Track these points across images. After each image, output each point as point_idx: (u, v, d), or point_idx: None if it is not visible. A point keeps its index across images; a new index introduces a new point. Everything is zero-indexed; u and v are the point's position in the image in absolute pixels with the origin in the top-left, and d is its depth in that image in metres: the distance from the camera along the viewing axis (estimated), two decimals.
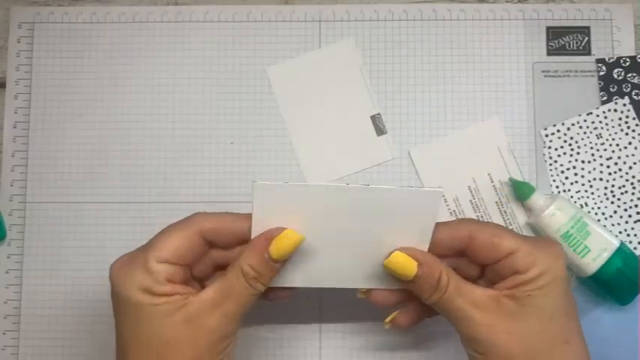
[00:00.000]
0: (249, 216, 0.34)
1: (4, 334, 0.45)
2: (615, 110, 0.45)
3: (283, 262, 0.34)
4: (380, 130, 0.46)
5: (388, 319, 0.37)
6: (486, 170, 0.45)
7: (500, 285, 0.33)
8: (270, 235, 0.33)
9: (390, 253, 0.33)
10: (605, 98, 0.46)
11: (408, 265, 0.33)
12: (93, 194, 0.46)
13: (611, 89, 0.46)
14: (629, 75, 0.46)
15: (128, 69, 0.47)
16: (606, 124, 0.45)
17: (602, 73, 0.46)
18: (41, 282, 0.45)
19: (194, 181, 0.46)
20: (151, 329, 0.32)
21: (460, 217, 0.45)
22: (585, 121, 0.45)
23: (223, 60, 0.47)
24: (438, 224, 0.34)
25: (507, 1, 0.47)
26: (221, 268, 0.36)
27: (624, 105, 0.45)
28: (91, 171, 0.46)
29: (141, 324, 0.32)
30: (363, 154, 0.46)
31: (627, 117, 0.45)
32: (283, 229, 0.33)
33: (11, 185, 0.46)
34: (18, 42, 0.47)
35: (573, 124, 0.45)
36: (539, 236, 0.35)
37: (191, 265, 0.34)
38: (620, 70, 0.46)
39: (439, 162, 0.46)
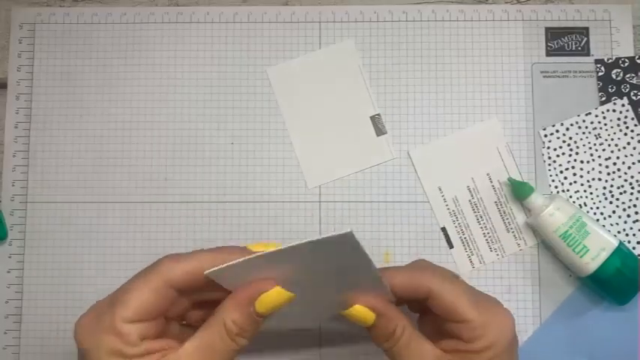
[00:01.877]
0: (225, 251, 0.32)
1: (5, 333, 0.45)
2: (614, 111, 0.45)
3: (268, 316, 0.32)
4: (379, 131, 0.46)
5: None
6: (485, 170, 0.46)
7: (444, 343, 0.34)
8: (257, 289, 0.32)
9: (349, 304, 0.34)
10: (603, 99, 0.46)
11: (365, 316, 0.34)
12: (93, 194, 0.46)
13: (609, 90, 0.46)
14: (628, 75, 0.46)
15: (129, 69, 0.47)
16: (605, 125, 0.45)
17: (600, 74, 0.46)
18: (42, 281, 0.45)
19: (194, 181, 0.46)
20: None
21: (459, 216, 0.45)
22: (584, 121, 0.46)
23: (224, 60, 0.47)
24: (396, 271, 0.35)
25: (506, 2, 0.47)
26: (199, 305, 0.34)
27: (623, 105, 0.45)
28: (91, 171, 0.46)
29: None
30: (363, 154, 0.46)
31: (626, 117, 0.45)
32: (272, 283, 0.32)
33: (12, 185, 0.46)
34: (19, 43, 0.47)
35: (572, 125, 0.46)
36: (493, 302, 0.35)
37: (164, 313, 0.32)
38: (619, 70, 0.46)
39: (438, 162, 0.46)
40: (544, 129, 0.46)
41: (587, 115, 0.46)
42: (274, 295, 0.32)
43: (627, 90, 0.46)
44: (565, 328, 0.44)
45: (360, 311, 0.34)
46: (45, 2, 0.48)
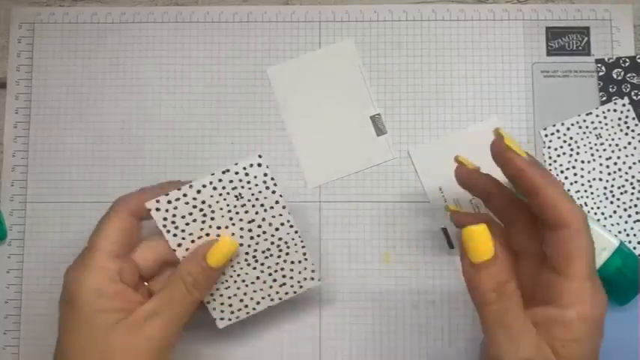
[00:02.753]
0: (165, 184, 0.38)
1: (5, 333, 0.45)
2: (615, 110, 0.45)
3: (220, 270, 0.36)
4: (380, 130, 0.46)
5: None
6: (486, 170, 0.45)
7: (534, 313, 0.31)
8: (209, 244, 0.36)
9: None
10: (604, 98, 0.46)
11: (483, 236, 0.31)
12: (93, 194, 0.46)
13: (610, 89, 0.46)
14: (629, 75, 0.46)
15: (128, 69, 0.47)
16: (606, 124, 0.45)
17: (601, 74, 0.46)
18: (42, 282, 0.45)
19: None
20: (94, 337, 0.33)
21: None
22: (585, 121, 0.45)
23: (223, 60, 0.47)
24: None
25: (507, 2, 0.47)
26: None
27: (624, 105, 0.45)
28: (91, 171, 0.46)
29: (84, 330, 0.33)
30: (363, 154, 0.46)
31: (627, 117, 0.45)
32: (221, 237, 0.36)
33: (12, 185, 0.46)
34: (19, 42, 0.47)
35: (573, 125, 0.46)
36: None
37: (135, 244, 0.36)
38: (620, 70, 0.46)
39: (439, 162, 0.46)
40: (544, 129, 0.46)
41: (587, 114, 0.46)
42: (220, 244, 0.35)
43: (628, 90, 0.46)
44: None
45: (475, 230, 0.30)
46: (45, 2, 0.48)
